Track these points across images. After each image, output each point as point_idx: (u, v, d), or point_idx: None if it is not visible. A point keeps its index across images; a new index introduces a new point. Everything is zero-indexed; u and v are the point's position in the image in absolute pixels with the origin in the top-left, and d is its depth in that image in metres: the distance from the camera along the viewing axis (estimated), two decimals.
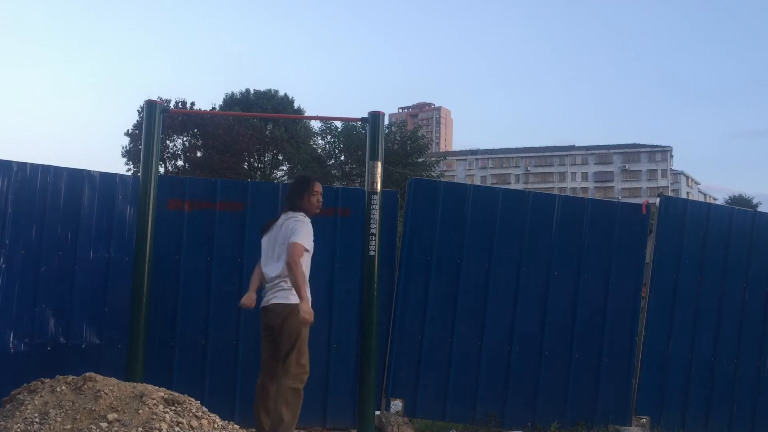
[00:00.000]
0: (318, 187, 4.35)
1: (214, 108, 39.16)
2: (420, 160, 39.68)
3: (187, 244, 5.11)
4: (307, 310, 3.91)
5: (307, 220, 4.21)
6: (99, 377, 3.64)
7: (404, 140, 39.18)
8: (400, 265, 5.35)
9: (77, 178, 4.88)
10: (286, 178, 40.45)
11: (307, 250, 4.07)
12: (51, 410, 3.37)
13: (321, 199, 4.35)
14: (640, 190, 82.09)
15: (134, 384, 3.73)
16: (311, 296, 4.06)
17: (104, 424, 3.27)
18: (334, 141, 40.29)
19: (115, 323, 4.89)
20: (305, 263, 4.08)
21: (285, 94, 43.85)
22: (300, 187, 4.33)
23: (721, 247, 5.78)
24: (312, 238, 4.14)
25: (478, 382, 5.42)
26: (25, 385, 3.70)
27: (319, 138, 41.82)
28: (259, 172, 38.55)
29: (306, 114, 44.25)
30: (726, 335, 5.74)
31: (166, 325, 5.02)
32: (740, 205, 55.18)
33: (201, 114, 38.91)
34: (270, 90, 43.65)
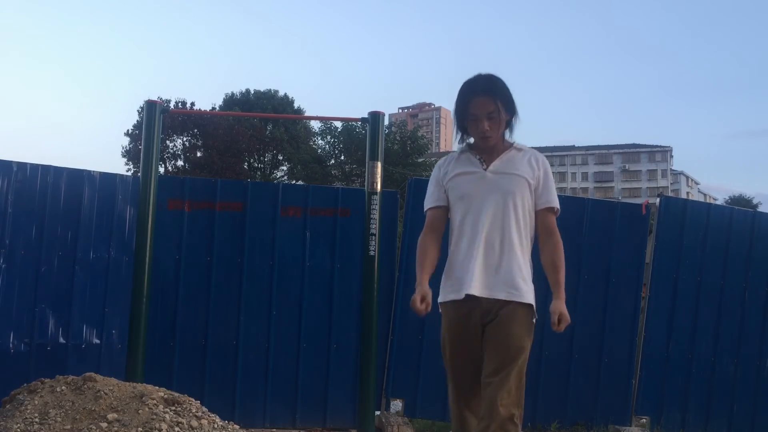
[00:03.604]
0: (475, 107, 2.70)
1: (214, 108, 39.19)
2: (420, 160, 39.75)
3: (187, 244, 5.11)
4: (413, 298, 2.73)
5: (439, 164, 2.93)
6: (99, 377, 3.64)
7: (404, 140, 39.25)
8: (400, 265, 5.34)
9: (77, 178, 4.88)
10: (285, 178, 40.48)
11: (428, 210, 2.90)
12: (51, 410, 3.37)
13: (487, 125, 2.69)
14: (640, 190, 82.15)
15: (134, 384, 3.73)
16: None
17: (104, 424, 3.26)
18: (334, 141, 40.33)
19: (115, 323, 4.89)
20: (426, 231, 2.87)
21: (285, 94, 43.97)
22: (454, 108, 2.82)
23: (721, 247, 5.78)
24: (431, 188, 2.91)
25: None
26: (25, 385, 3.70)
27: (319, 138, 41.90)
28: (259, 172, 38.60)
29: (306, 114, 44.31)
30: (726, 335, 5.73)
31: (166, 325, 5.02)
32: (740, 205, 55.17)
33: (201, 114, 38.92)
34: (270, 90, 43.76)
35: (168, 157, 36.22)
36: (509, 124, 2.80)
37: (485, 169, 2.74)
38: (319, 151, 41.37)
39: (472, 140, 2.83)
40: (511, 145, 2.81)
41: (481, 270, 2.68)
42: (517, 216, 2.72)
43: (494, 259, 2.69)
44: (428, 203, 2.88)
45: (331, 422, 5.17)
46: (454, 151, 2.93)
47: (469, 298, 2.67)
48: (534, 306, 2.74)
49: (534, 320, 2.78)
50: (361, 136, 35.22)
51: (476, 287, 2.66)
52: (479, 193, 2.72)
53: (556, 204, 2.80)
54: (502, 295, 2.67)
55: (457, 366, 2.81)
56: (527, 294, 2.71)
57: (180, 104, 36.15)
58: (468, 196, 2.73)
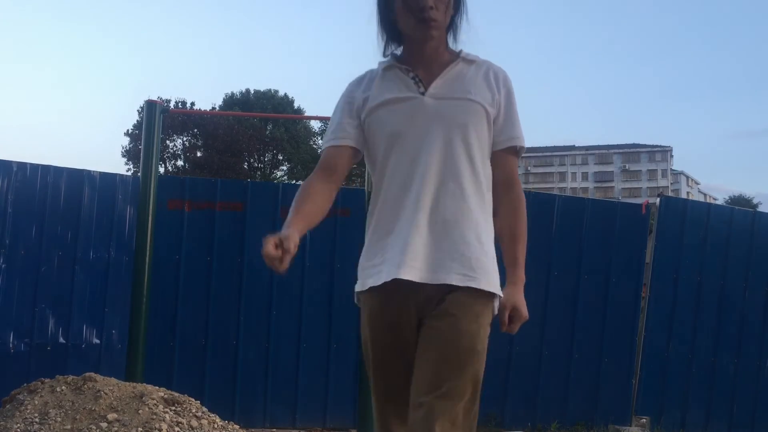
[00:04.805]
0: None
1: (214, 108, 39.17)
2: None
3: (187, 244, 5.11)
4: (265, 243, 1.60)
5: (354, 84, 1.91)
6: (99, 377, 3.65)
7: None
8: None
9: (77, 178, 4.89)
10: (285, 178, 40.48)
11: (325, 148, 1.97)
12: (51, 410, 3.37)
13: (431, 0, 1.73)
14: (640, 190, 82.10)
15: (134, 384, 3.73)
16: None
17: (104, 424, 3.27)
18: None
19: (115, 323, 4.89)
20: (316, 171, 1.98)
21: (285, 94, 43.90)
22: None
23: (721, 247, 5.78)
24: (336, 117, 1.92)
25: None
26: (25, 385, 3.70)
27: (319, 138, 41.87)
28: (259, 172, 38.56)
29: (306, 114, 44.28)
30: (726, 335, 5.74)
31: (166, 325, 5.02)
32: (740, 205, 55.20)
33: (201, 114, 38.92)
34: (270, 90, 43.70)
35: (168, 157, 36.21)
36: (453, 24, 1.85)
37: (423, 93, 1.79)
38: (319, 151, 41.35)
39: (399, 51, 1.88)
40: (457, 56, 1.85)
41: (423, 244, 1.73)
42: (472, 161, 1.79)
43: (441, 227, 1.74)
44: (327, 139, 1.92)
45: (331, 422, 5.17)
46: (372, 69, 1.91)
47: (402, 284, 1.70)
48: (499, 296, 1.79)
49: (494, 314, 1.83)
50: None
51: (414, 269, 1.71)
52: (416, 130, 1.77)
53: (523, 141, 1.88)
54: (453, 279, 1.71)
55: (389, 376, 1.80)
56: (489, 277, 1.75)
57: (180, 104, 36.15)
58: (399, 134, 1.78)
